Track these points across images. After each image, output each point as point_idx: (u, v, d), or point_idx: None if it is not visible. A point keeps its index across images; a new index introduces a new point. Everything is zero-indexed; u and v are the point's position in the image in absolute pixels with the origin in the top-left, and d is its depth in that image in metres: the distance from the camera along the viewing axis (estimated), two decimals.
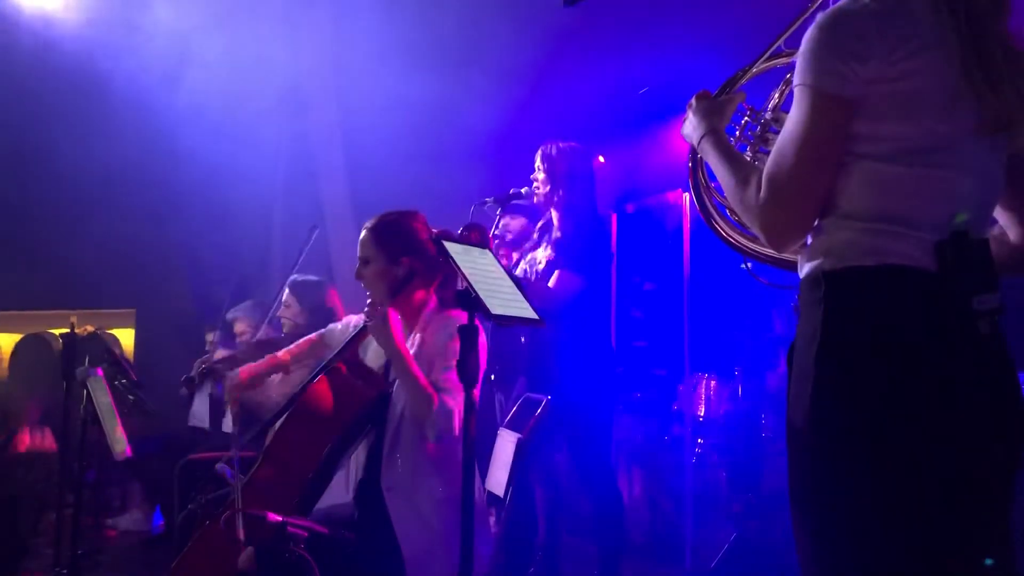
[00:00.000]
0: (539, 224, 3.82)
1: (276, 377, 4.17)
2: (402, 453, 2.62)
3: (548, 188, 3.67)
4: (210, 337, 5.94)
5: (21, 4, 6.54)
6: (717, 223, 1.86)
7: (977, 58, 1.46)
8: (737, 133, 1.87)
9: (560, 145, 3.72)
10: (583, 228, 3.60)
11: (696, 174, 1.91)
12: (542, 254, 3.69)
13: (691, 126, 1.84)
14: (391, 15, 5.82)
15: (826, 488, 1.49)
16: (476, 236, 3.06)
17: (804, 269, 1.57)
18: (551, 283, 3.54)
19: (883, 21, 1.46)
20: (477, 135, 5.78)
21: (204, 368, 3.58)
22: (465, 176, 5.68)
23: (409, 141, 6.00)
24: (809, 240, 1.57)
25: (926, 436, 1.41)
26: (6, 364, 7.58)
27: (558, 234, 3.63)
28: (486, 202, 3.84)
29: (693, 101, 1.87)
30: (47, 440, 5.02)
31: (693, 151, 1.89)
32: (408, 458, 2.62)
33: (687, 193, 4.84)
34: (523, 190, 3.79)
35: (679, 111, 1.97)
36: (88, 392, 3.34)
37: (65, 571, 3.31)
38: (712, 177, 1.84)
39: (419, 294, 2.78)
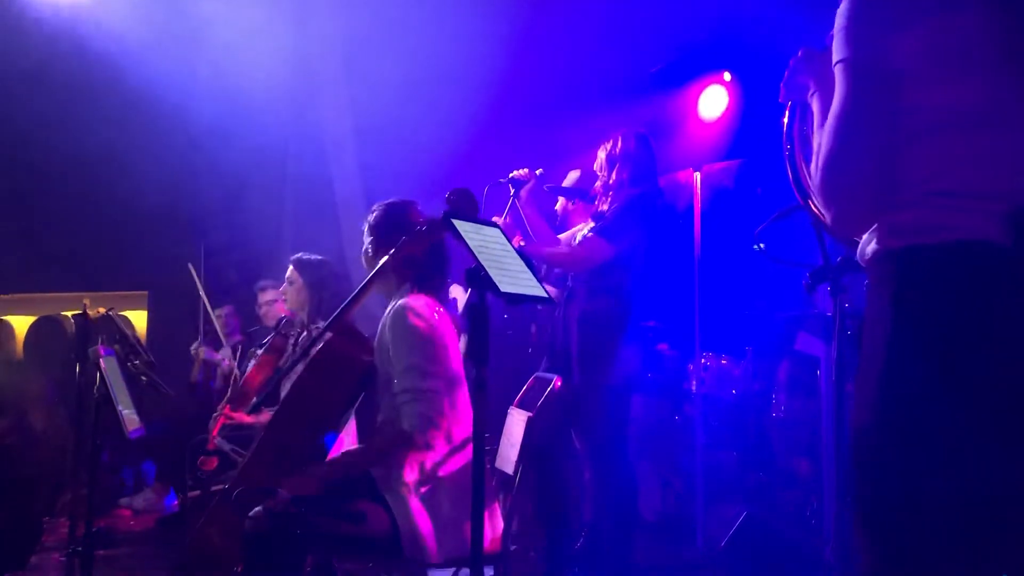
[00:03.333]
0: (556, 206, 3.83)
1: None
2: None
3: (608, 174, 3.70)
4: (218, 312, 5.97)
5: None
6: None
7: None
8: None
9: (617, 133, 3.76)
10: (631, 203, 3.59)
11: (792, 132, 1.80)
12: (584, 230, 3.71)
13: (800, 80, 1.70)
14: None
15: (896, 479, 1.41)
16: (463, 201, 3.02)
17: (869, 249, 1.50)
18: (577, 241, 3.55)
19: None
20: (489, 114, 5.76)
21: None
22: (476, 157, 5.67)
23: (420, 121, 5.98)
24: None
25: (1001, 419, 1.36)
26: (20, 346, 7.64)
27: (603, 208, 3.64)
28: (501, 181, 3.84)
29: (793, 59, 1.72)
30: (61, 420, 5.06)
31: (792, 109, 1.77)
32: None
33: (697, 173, 4.82)
34: (538, 171, 3.79)
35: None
36: (101, 373, 3.36)
37: (80, 549, 3.33)
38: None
39: (403, 275, 2.79)
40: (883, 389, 1.42)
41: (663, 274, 5.56)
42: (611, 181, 3.69)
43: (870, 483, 1.46)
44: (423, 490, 2.55)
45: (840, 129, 1.44)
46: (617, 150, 3.71)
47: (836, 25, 1.47)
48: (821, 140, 1.48)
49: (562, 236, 3.86)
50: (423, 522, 2.51)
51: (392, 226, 2.81)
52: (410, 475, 2.54)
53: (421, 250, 2.75)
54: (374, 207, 2.92)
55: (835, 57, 1.46)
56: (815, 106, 1.63)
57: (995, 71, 1.39)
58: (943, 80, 1.40)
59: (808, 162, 1.71)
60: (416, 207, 2.89)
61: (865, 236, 1.53)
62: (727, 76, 5.23)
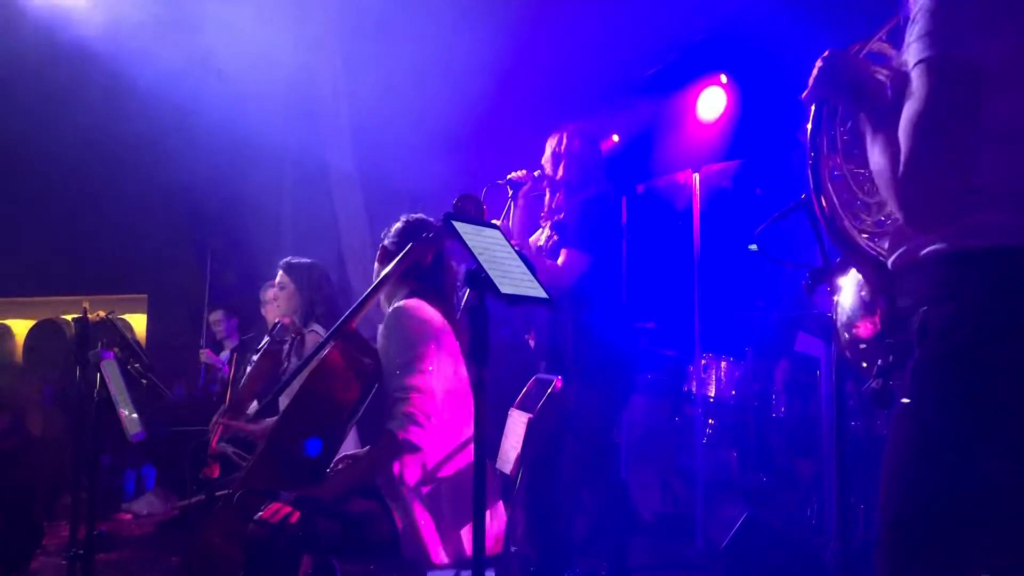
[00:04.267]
0: (544, 212, 3.81)
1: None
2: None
3: (553, 171, 3.67)
4: (214, 317, 5.97)
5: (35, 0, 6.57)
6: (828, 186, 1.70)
7: None
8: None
9: (567, 127, 3.71)
10: (584, 205, 3.59)
11: (819, 130, 1.72)
12: (546, 235, 3.69)
13: (834, 88, 1.66)
14: None
15: (958, 483, 1.37)
16: (470, 207, 3.04)
17: (930, 249, 1.47)
18: (559, 261, 3.54)
19: None
20: (488, 116, 5.77)
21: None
22: (475, 157, 5.68)
23: (418, 125, 5.99)
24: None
25: None
26: (20, 349, 7.65)
27: (560, 216, 3.63)
28: (499, 183, 3.83)
29: (825, 60, 1.68)
30: (61, 424, 5.06)
31: (819, 114, 1.72)
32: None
33: (696, 174, 4.83)
34: (536, 172, 3.78)
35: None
36: (101, 376, 3.36)
37: (81, 552, 3.33)
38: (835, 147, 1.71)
39: (403, 281, 2.80)
40: (957, 401, 1.38)
41: (658, 275, 5.60)
42: (558, 178, 3.68)
43: (922, 496, 1.41)
44: (424, 491, 2.56)
45: (924, 128, 1.41)
46: (562, 148, 3.69)
47: (919, 25, 1.44)
48: (903, 134, 1.44)
49: (529, 240, 3.82)
50: (425, 524, 2.51)
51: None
52: (411, 477, 2.55)
53: (429, 257, 2.78)
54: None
55: (919, 55, 1.44)
56: (863, 112, 1.59)
57: None
58: None
59: (832, 175, 1.68)
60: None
61: (916, 237, 1.49)
62: (723, 78, 5.24)
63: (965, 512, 1.36)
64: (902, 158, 1.43)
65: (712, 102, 5.37)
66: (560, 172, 3.67)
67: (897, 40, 1.54)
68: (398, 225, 2.91)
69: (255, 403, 4.36)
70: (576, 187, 3.63)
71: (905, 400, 1.47)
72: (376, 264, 2.89)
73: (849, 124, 1.69)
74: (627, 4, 5.61)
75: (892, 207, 1.49)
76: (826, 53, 1.67)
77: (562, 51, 5.81)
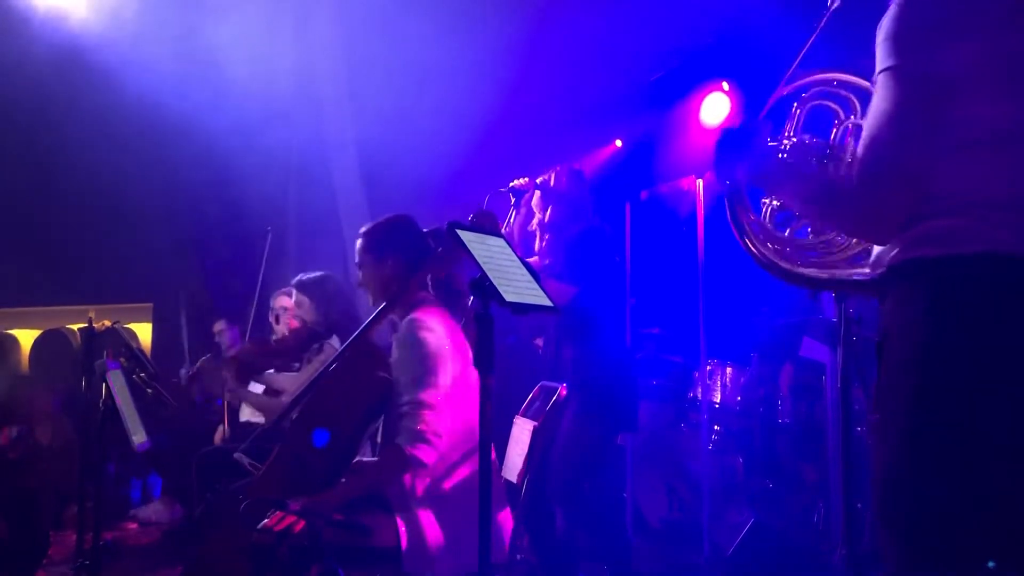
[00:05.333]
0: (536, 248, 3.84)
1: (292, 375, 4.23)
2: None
3: (543, 213, 3.71)
4: (217, 327, 5.98)
5: (37, 4, 6.58)
6: (749, 240, 1.92)
7: None
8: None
9: (555, 168, 3.75)
10: (569, 242, 3.60)
11: (735, 203, 1.93)
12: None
13: (728, 167, 1.81)
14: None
15: (926, 481, 1.40)
16: (487, 223, 3.07)
17: (892, 257, 1.49)
18: None
19: None
20: (491, 123, 5.78)
21: (194, 371, 3.69)
22: (478, 166, 5.68)
23: (423, 130, 6.00)
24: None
25: None
26: (26, 359, 7.66)
27: (547, 260, 3.65)
28: (501, 191, 3.85)
29: (721, 141, 1.82)
30: (68, 433, 5.07)
31: (732, 186, 1.88)
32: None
33: (700, 180, 4.83)
34: (538, 179, 3.80)
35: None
36: (107, 386, 3.37)
37: (87, 562, 3.33)
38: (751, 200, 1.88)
39: (417, 291, 2.81)
40: (919, 399, 1.41)
41: (663, 281, 5.59)
42: (546, 220, 3.71)
43: (904, 497, 1.44)
44: (431, 503, 2.56)
45: (884, 135, 1.44)
46: (551, 186, 3.72)
47: (884, 32, 1.47)
48: (863, 145, 1.48)
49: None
50: (432, 535, 2.51)
51: (387, 240, 2.84)
52: (420, 487, 2.55)
53: (443, 272, 2.81)
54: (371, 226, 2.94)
55: (882, 64, 1.47)
56: (762, 174, 1.73)
57: None
58: (990, 95, 1.41)
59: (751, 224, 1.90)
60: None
61: (882, 247, 1.53)
62: (725, 86, 5.24)
63: (935, 515, 1.38)
64: (859, 164, 1.46)
65: (715, 108, 5.38)
66: (548, 214, 3.69)
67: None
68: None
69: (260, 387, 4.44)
70: (562, 227, 3.66)
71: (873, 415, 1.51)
72: (372, 271, 2.88)
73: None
74: (631, 11, 5.62)
75: (836, 224, 1.58)
76: (720, 135, 1.81)
77: (566, 56, 5.82)
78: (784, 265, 1.85)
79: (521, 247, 3.84)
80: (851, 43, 1.54)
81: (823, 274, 1.80)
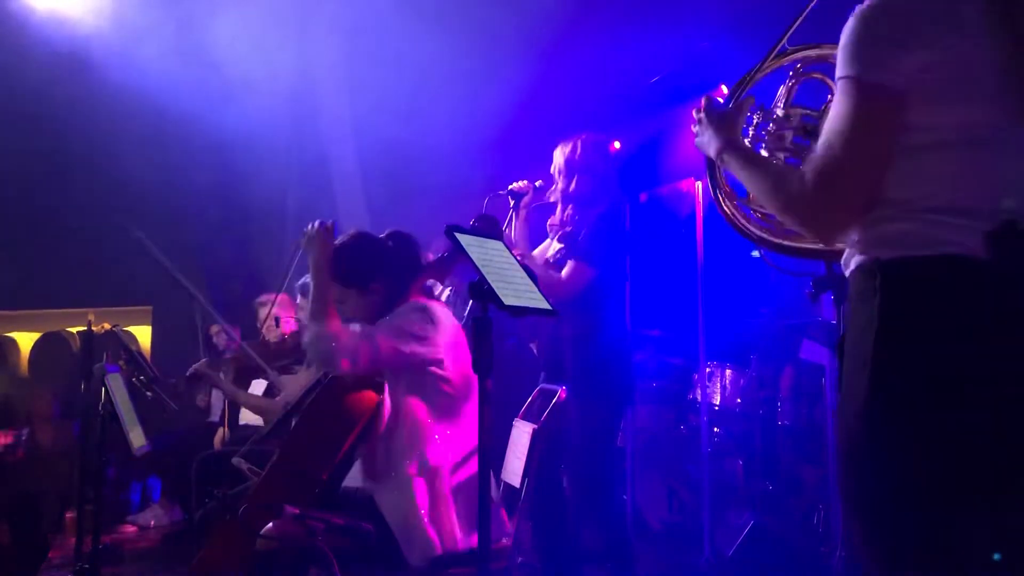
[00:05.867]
0: (548, 221, 3.80)
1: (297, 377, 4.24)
2: (383, 445, 2.66)
3: (566, 183, 3.65)
4: (215, 330, 5.97)
5: (36, 8, 6.58)
6: (739, 221, 1.92)
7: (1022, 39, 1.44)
8: (750, 133, 1.88)
9: (575, 138, 3.69)
10: (596, 220, 3.57)
11: (714, 178, 1.95)
12: (553, 246, 3.68)
13: (706, 138, 1.86)
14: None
15: (884, 480, 1.47)
16: (488, 227, 3.07)
17: (854, 260, 1.56)
18: (564, 273, 3.52)
19: (927, 5, 1.46)
20: (490, 124, 5.78)
21: (195, 370, 3.71)
22: (478, 167, 5.69)
23: (422, 132, 6.00)
24: (857, 231, 1.55)
25: (985, 427, 1.39)
26: (25, 362, 7.65)
27: (569, 228, 3.61)
28: (500, 194, 3.83)
29: (702, 113, 1.89)
30: (68, 437, 5.06)
31: (709, 160, 1.91)
32: (386, 447, 2.65)
33: (699, 181, 4.83)
34: (537, 183, 3.77)
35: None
36: (106, 389, 3.37)
37: (87, 566, 3.33)
38: (731, 180, 1.90)
39: (412, 296, 2.81)
40: (870, 400, 1.47)
41: (662, 283, 5.59)
42: (571, 191, 3.65)
43: (862, 492, 1.51)
44: (432, 505, 2.56)
45: (842, 141, 1.50)
46: (576, 157, 3.65)
47: (841, 42, 1.52)
48: (819, 150, 1.53)
49: (535, 252, 3.81)
50: (432, 537, 2.52)
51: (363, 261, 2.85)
52: (420, 491, 2.56)
53: (444, 276, 2.82)
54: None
55: (839, 72, 1.52)
56: (729, 155, 1.77)
57: (992, 95, 1.45)
58: (943, 102, 1.45)
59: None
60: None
61: (848, 249, 1.58)
62: (724, 88, 5.24)
63: (883, 502, 1.46)
64: (813, 169, 1.52)
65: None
66: (573, 185, 3.63)
67: None
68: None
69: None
70: (589, 201, 3.60)
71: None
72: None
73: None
74: (632, 13, 5.62)
75: (795, 221, 1.62)
76: (699, 109, 1.89)
77: (565, 57, 5.82)
78: (773, 240, 1.88)
79: (528, 240, 3.83)
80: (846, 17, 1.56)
81: (815, 245, 1.83)
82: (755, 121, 1.88)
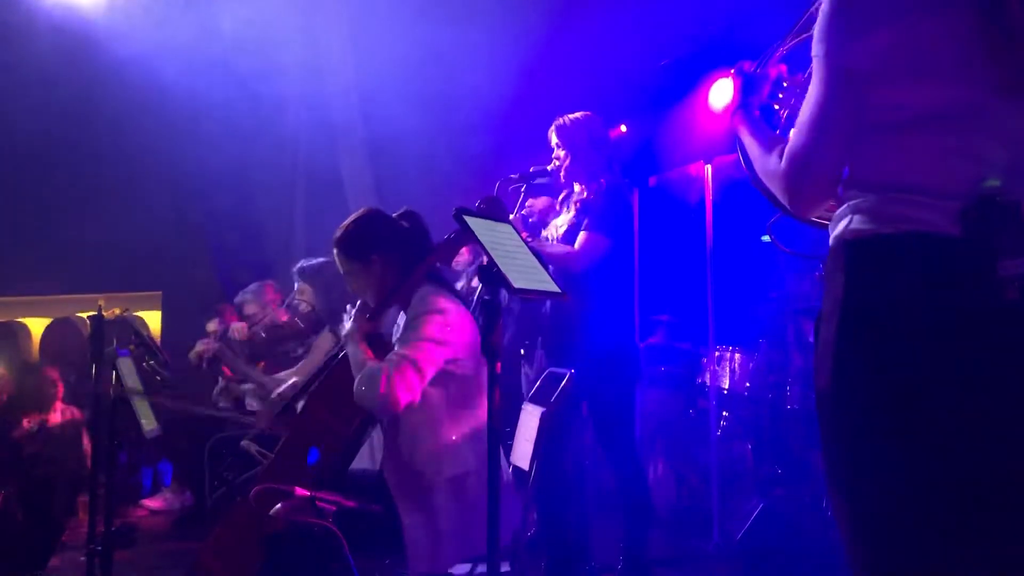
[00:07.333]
0: (560, 197, 3.80)
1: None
2: (402, 438, 2.65)
3: (568, 161, 3.65)
4: (211, 326, 5.95)
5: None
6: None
7: (992, 12, 1.42)
8: (780, 96, 1.88)
9: (573, 116, 3.69)
10: (607, 192, 3.57)
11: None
12: (564, 218, 3.67)
13: (732, 112, 1.88)
14: None
15: (850, 459, 1.49)
16: (495, 209, 3.06)
17: (830, 240, 1.57)
18: (577, 244, 3.51)
19: None
20: (498, 109, 5.76)
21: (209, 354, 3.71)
22: (487, 151, 5.67)
23: (431, 121, 5.99)
24: (831, 210, 1.57)
25: (949, 405, 1.38)
26: (36, 348, 7.70)
27: (583, 195, 3.61)
28: (512, 178, 3.82)
29: (733, 72, 1.91)
30: (79, 422, 5.09)
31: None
32: (407, 441, 2.64)
33: (709, 165, 4.81)
34: (548, 167, 3.77)
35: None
36: (117, 373, 3.38)
37: (99, 548, 3.35)
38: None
39: (423, 281, 2.80)
40: (834, 377, 1.48)
41: (672, 267, 5.58)
42: (579, 165, 3.64)
43: (832, 473, 1.53)
44: (442, 489, 2.57)
45: (811, 120, 1.52)
46: (582, 135, 3.64)
47: (817, 22, 1.53)
48: (795, 127, 1.57)
49: (545, 232, 3.80)
50: (443, 521, 2.52)
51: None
52: (430, 474, 2.56)
53: (451, 259, 2.81)
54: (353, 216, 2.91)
55: (813, 50, 1.54)
56: (738, 116, 1.81)
57: (959, 75, 1.44)
58: (909, 81, 1.45)
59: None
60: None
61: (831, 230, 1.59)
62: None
63: (861, 495, 1.46)
64: (787, 147, 1.56)
65: (724, 93, 5.33)
66: (580, 160, 3.64)
67: None
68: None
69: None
70: (597, 174, 3.62)
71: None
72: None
73: None
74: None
75: (776, 193, 1.64)
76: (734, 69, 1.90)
77: (574, 40, 5.80)
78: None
79: (531, 228, 3.83)
80: None
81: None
82: (785, 87, 1.89)
